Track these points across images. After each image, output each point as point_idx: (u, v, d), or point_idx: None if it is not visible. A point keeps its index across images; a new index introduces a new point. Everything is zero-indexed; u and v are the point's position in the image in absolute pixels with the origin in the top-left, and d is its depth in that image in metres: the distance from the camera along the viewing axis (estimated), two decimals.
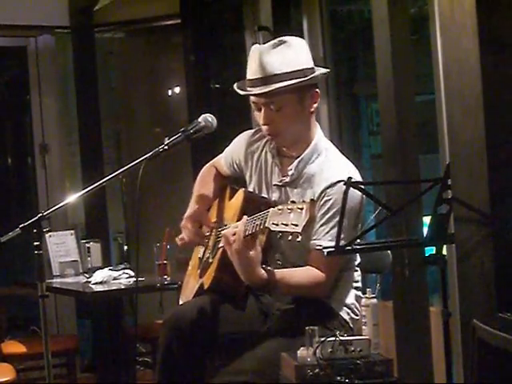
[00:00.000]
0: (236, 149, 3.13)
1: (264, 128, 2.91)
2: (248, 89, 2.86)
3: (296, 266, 2.86)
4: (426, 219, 2.82)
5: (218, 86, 5.77)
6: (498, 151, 2.56)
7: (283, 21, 5.01)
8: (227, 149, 3.20)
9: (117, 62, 6.40)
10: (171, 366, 2.90)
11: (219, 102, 5.58)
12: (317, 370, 2.52)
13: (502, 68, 2.56)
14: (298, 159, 2.92)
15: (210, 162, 3.30)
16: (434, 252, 2.72)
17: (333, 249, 2.63)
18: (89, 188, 2.81)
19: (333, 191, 2.81)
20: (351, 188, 2.67)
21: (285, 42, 2.84)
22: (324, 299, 2.90)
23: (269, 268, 2.73)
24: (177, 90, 6.29)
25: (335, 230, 2.70)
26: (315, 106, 2.91)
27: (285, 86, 2.79)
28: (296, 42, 2.88)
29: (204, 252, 3.17)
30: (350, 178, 2.60)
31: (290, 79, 2.80)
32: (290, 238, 2.47)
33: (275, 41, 2.86)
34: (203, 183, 3.26)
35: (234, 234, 2.68)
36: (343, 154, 3.04)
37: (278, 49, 2.83)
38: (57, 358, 4.62)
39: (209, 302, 2.96)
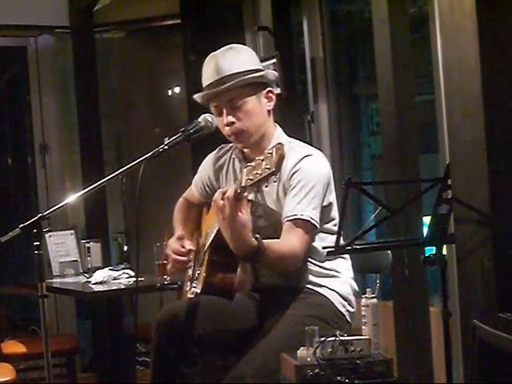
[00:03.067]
0: (204, 172, 3.22)
1: (228, 129, 2.96)
2: (206, 92, 2.97)
3: None
4: (426, 219, 2.82)
5: None
6: (497, 151, 2.56)
7: (283, 21, 5.02)
8: (195, 177, 3.28)
9: (117, 62, 6.40)
10: (163, 362, 2.92)
11: None
12: (317, 370, 2.51)
13: (502, 68, 2.56)
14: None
15: (182, 197, 3.39)
16: (434, 252, 2.72)
17: (333, 249, 2.63)
18: (89, 188, 2.81)
19: (299, 165, 2.88)
20: (312, 160, 2.84)
21: (233, 48, 3.03)
22: (318, 289, 2.91)
23: (257, 235, 2.70)
24: (177, 89, 6.29)
25: (306, 200, 2.80)
26: (271, 104, 3.00)
27: (241, 80, 2.91)
28: (244, 48, 3.08)
29: (193, 271, 3.19)
30: (349, 177, 2.61)
31: (245, 75, 2.94)
32: (266, 184, 2.53)
33: (225, 47, 3.03)
34: (180, 217, 3.34)
35: (223, 198, 2.65)
36: (343, 153, 3.05)
37: (229, 53, 3.00)
38: (57, 358, 4.62)
39: (200, 300, 2.99)
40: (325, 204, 2.89)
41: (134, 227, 5.72)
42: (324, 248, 2.66)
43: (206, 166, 3.22)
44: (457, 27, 2.61)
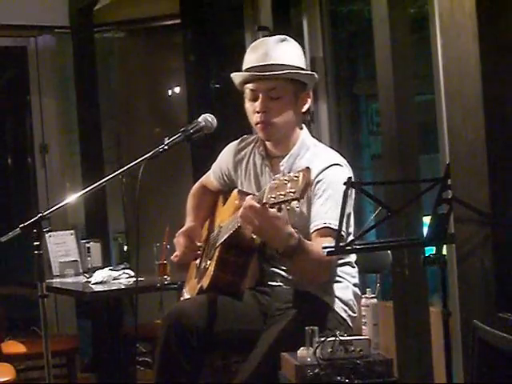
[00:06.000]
0: (223, 161, 3.19)
1: (257, 116, 2.93)
2: (251, 72, 2.92)
3: None
4: (426, 219, 2.82)
5: (217, 85, 5.77)
6: (497, 151, 2.56)
7: (283, 21, 5.02)
8: (214, 163, 3.25)
9: (117, 62, 6.40)
10: (169, 362, 2.90)
11: (219, 102, 5.58)
12: (317, 370, 2.52)
13: (502, 68, 2.56)
14: (288, 155, 2.98)
15: (198, 182, 3.37)
16: (433, 252, 2.72)
17: (333, 249, 2.63)
18: (89, 188, 2.81)
19: (325, 174, 2.86)
20: (338, 170, 2.81)
21: (287, 40, 2.97)
22: (320, 294, 2.90)
23: (295, 231, 2.66)
24: (177, 89, 6.29)
25: (334, 209, 2.74)
26: (306, 107, 2.99)
27: (289, 74, 2.89)
28: (296, 43, 3.01)
29: (200, 261, 3.18)
30: (349, 178, 2.60)
31: (294, 70, 2.91)
32: (288, 207, 2.47)
33: (279, 36, 2.97)
34: (194, 203, 3.32)
35: (248, 208, 2.61)
36: (343, 153, 3.05)
37: (283, 43, 2.94)
38: (57, 357, 4.62)
39: (208, 299, 2.98)
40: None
41: (134, 227, 5.72)
42: (324, 248, 2.65)
43: (226, 155, 3.18)
44: (457, 27, 2.61)
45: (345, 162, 2.97)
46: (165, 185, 5.94)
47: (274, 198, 2.50)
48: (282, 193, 2.47)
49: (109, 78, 6.35)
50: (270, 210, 2.56)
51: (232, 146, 3.17)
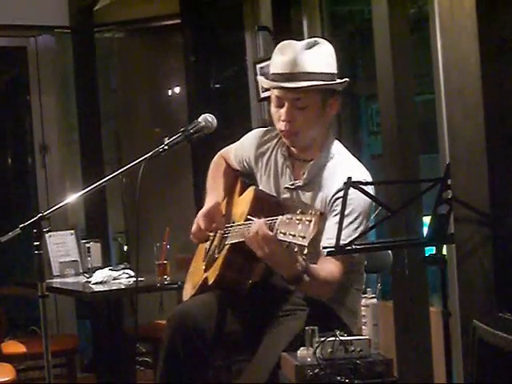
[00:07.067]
0: (246, 148, 3.10)
1: (282, 125, 2.86)
2: (278, 83, 2.84)
3: None
4: (426, 219, 2.82)
5: (217, 86, 5.78)
6: (497, 151, 2.56)
7: (283, 21, 5.01)
8: (237, 146, 3.16)
9: (117, 62, 6.40)
10: (174, 363, 2.89)
11: (219, 101, 5.58)
12: (317, 370, 2.51)
13: (502, 68, 2.56)
14: (311, 163, 2.90)
15: (219, 154, 3.26)
16: (434, 252, 2.72)
17: (333, 249, 2.63)
18: (89, 188, 2.81)
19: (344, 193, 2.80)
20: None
21: (318, 43, 2.85)
22: (327, 302, 2.90)
23: (304, 258, 2.62)
24: (177, 89, 6.29)
25: (349, 229, 2.72)
26: (334, 113, 2.92)
27: (316, 86, 2.79)
28: (328, 47, 2.88)
29: (210, 245, 3.15)
30: (349, 178, 2.59)
31: (321, 80, 2.81)
32: (296, 249, 2.45)
33: (309, 40, 2.86)
34: (215, 177, 3.22)
35: (260, 236, 2.59)
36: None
37: (313, 49, 2.83)
38: (57, 358, 4.62)
39: (212, 299, 2.96)
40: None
41: (134, 227, 5.72)
42: (324, 248, 2.65)
43: (249, 145, 3.08)
44: (457, 27, 2.61)
45: (365, 175, 2.87)
46: (165, 185, 5.94)
47: (284, 234, 2.49)
48: (293, 233, 2.45)
49: (109, 77, 6.35)
50: (280, 248, 2.55)
51: (256, 136, 3.07)
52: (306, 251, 2.43)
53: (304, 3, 5.03)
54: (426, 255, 2.75)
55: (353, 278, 2.95)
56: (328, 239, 2.71)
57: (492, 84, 2.54)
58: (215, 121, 2.97)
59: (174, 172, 5.88)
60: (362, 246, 2.72)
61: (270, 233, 2.57)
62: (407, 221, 3.45)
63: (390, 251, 3.29)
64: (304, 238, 2.40)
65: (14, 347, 4.70)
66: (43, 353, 2.69)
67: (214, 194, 3.15)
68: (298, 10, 5.07)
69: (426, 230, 2.78)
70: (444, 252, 2.74)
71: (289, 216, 2.50)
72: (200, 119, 2.96)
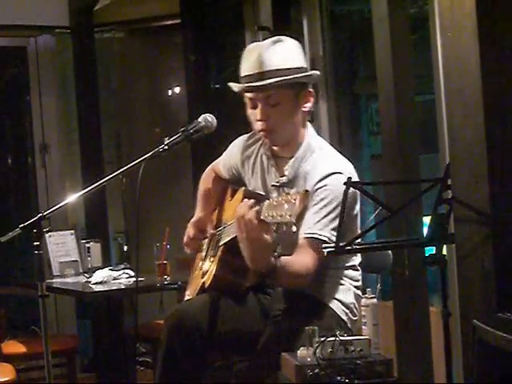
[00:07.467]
0: (233, 155, 3.17)
1: (259, 124, 2.93)
2: (246, 84, 2.89)
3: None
4: (426, 219, 2.82)
5: (217, 86, 5.78)
6: (497, 151, 2.55)
7: (283, 21, 5.02)
8: (224, 155, 3.24)
9: (117, 62, 6.40)
10: (172, 362, 2.90)
11: (219, 101, 5.58)
12: (317, 370, 2.52)
13: (502, 68, 2.56)
14: (293, 159, 2.96)
15: (210, 166, 3.35)
16: (434, 252, 2.72)
17: (333, 249, 2.63)
18: (89, 188, 2.81)
19: (325, 182, 2.84)
20: (338, 179, 2.75)
21: (281, 40, 2.91)
22: (320, 296, 2.91)
23: (275, 254, 2.68)
24: (177, 90, 6.29)
25: (327, 220, 2.77)
26: (309, 105, 2.97)
27: (284, 80, 2.84)
28: (292, 42, 2.95)
29: (206, 252, 3.19)
30: (349, 178, 2.60)
31: (288, 75, 2.86)
32: (284, 228, 2.46)
33: (272, 39, 2.92)
34: (205, 188, 3.32)
35: (245, 219, 2.61)
36: (343, 153, 3.04)
37: (276, 46, 2.89)
38: (57, 358, 4.62)
39: (210, 299, 2.97)
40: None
41: (134, 227, 5.72)
42: (324, 248, 2.65)
43: (235, 151, 3.15)
44: (457, 27, 2.61)
45: (348, 168, 2.90)
46: (165, 185, 5.94)
47: (272, 217, 2.50)
48: (280, 214, 2.46)
49: (109, 77, 6.35)
50: (262, 236, 2.57)
51: (241, 142, 3.15)
52: (294, 229, 2.43)
53: (304, 3, 5.03)
54: (426, 255, 2.75)
55: (348, 273, 2.97)
56: (308, 229, 2.76)
57: (492, 83, 2.54)
58: (215, 121, 2.98)
59: (173, 172, 5.88)
60: (362, 246, 2.73)
61: (255, 221, 2.57)
62: (407, 221, 3.44)
63: (390, 251, 3.29)
64: (291, 215, 2.41)
65: (14, 347, 4.70)
66: (43, 353, 2.69)
67: (203, 204, 3.27)
68: (298, 10, 5.08)
69: (426, 230, 2.78)
70: (444, 252, 2.74)
71: (275, 199, 2.53)
72: (200, 119, 2.97)
